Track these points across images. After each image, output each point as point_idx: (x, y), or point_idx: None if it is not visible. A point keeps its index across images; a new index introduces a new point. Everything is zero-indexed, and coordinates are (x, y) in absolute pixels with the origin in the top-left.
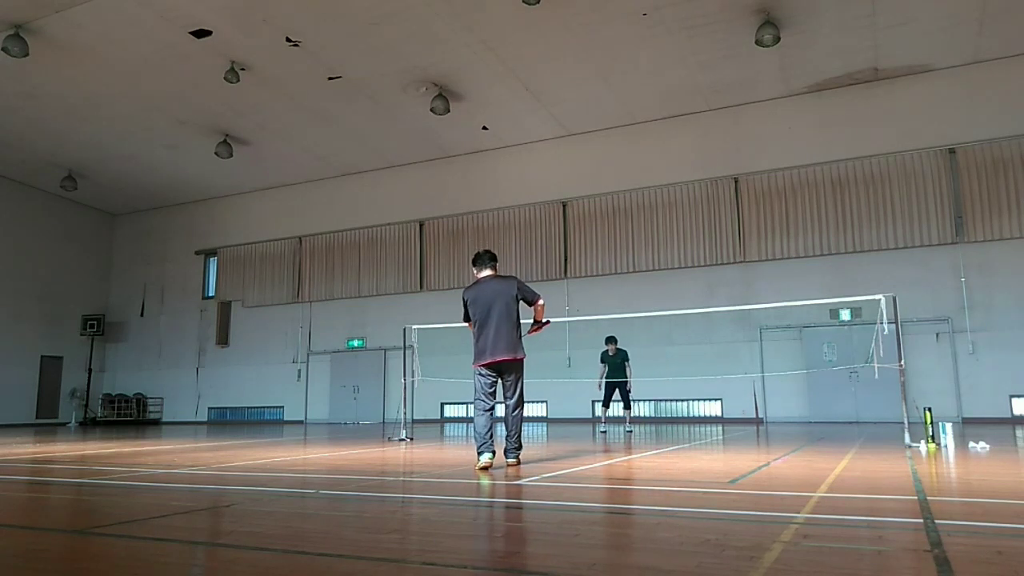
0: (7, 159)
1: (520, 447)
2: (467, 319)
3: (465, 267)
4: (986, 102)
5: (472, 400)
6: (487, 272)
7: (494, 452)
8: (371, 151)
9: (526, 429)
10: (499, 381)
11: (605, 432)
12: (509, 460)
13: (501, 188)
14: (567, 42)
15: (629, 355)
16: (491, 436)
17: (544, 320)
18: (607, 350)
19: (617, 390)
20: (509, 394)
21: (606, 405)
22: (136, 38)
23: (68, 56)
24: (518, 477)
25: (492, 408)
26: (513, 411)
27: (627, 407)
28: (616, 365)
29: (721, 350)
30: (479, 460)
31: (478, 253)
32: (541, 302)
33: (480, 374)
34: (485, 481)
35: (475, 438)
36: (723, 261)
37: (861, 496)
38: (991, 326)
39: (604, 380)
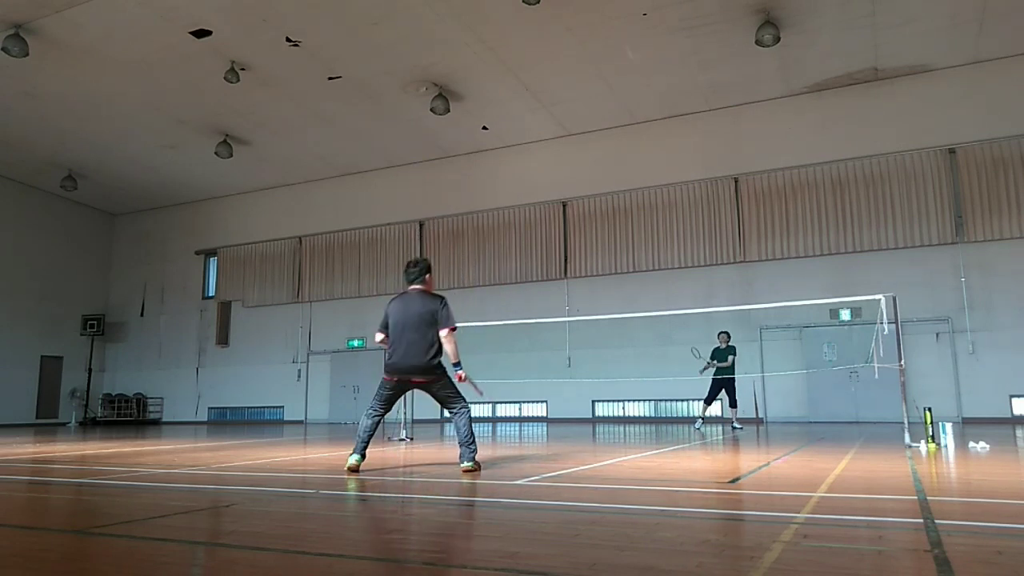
0: (7, 159)
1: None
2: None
3: (465, 267)
4: (986, 102)
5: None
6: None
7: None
8: (371, 151)
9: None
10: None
11: (700, 429)
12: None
13: (501, 188)
14: (567, 42)
15: (736, 351)
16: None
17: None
18: (719, 344)
19: (724, 388)
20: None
21: (709, 402)
22: (136, 38)
23: (68, 56)
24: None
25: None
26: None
27: (733, 405)
28: (725, 358)
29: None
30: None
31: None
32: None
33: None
34: (486, 481)
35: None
36: (723, 261)
37: (861, 496)
38: (991, 326)
39: (712, 376)
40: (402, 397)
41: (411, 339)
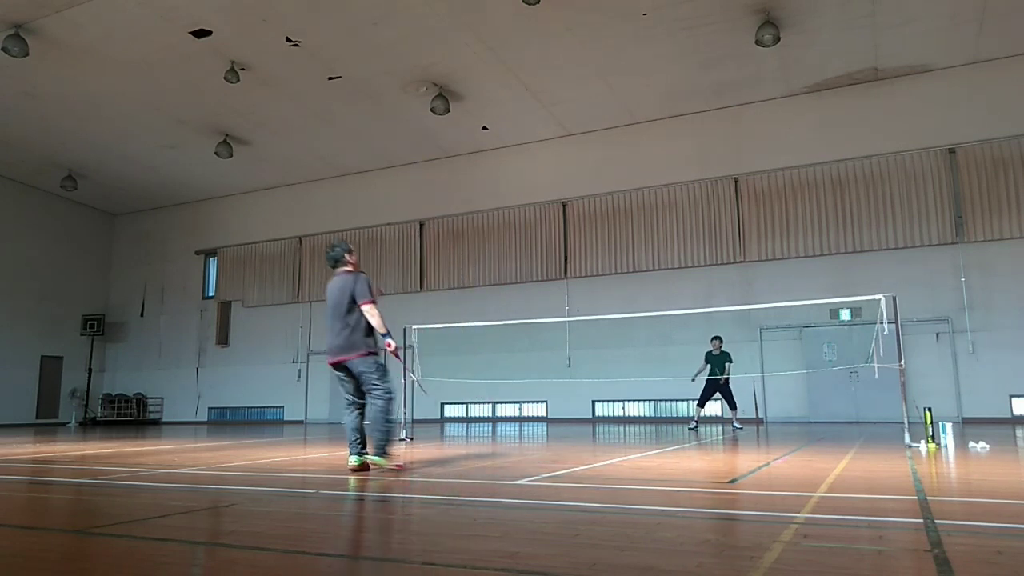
0: (7, 159)
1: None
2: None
3: (465, 267)
4: (986, 102)
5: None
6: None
7: (360, 454)
8: (371, 151)
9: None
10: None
11: (696, 429)
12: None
13: (501, 188)
14: (567, 42)
15: (731, 357)
16: (358, 437)
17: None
18: (711, 349)
19: (718, 391)
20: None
21: (702, 404)
22: (136, 38)
23: (68, 56)
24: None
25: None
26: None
27: (733, 407)
28: (719, 364)
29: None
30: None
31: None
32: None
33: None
34: (486, 481)
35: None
36: (723, 261)
37: (861, 496)
38: (991, 326)
39: (706, 378)
40: (402, 399)
41: (333, 322)
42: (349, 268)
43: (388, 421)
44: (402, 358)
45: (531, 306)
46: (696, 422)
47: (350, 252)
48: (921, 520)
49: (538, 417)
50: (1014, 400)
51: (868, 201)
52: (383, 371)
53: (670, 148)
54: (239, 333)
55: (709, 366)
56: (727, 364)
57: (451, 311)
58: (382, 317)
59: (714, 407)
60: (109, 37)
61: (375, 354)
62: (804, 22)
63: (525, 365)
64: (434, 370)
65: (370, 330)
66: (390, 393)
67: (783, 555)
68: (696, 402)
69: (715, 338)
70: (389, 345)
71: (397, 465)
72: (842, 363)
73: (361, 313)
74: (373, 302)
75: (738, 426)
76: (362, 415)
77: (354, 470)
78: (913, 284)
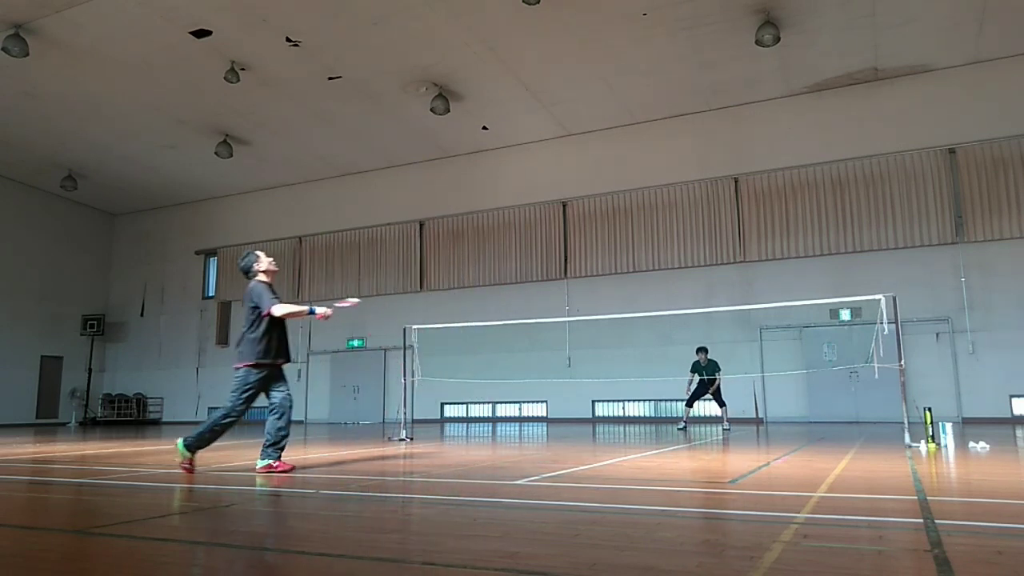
0: (7, 159)
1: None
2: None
3: (465, 267)
4: (986, 102)
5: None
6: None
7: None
8: (371, 151)
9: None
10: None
11: (684, 429)
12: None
13: (501, 188)
14: (567, 42)
15: (719, 366)
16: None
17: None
18: (698, 360)
19: (709, 394)
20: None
21: (690, 404)
22: (136, 38)
23: (68, 56)
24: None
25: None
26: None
27: (721, 404)
28: (709, 372)
29: (721, 350)
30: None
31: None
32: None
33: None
34: (486, 481)
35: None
36: (723, 261)
37: (861, 496)
38: (991, 326)
39: (696, 380)
40: (402, 399)
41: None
42: (262, 278)
43: (214, 428)
44: (327, 315)
45: (531, 306)
46: (685, 422)
47: (258, 260)
48: (921, 520)
49: (538, 417)
50: (1014, 400)
51: (868, 201)
52: (243, 389)
53: (670, 148)
54: (239, 333)
55: (697, 376)
56: (718, 373)
57: (451, 311)
58: (292, 303)
59: (712, 408)
60: (109, 37)
61: (252, 367)
62: (804, 22)
63: (525, 365)
64: (434, 370)
65: (257, 342)
66: (236, 409)
67: (783, 555)
68: (685, 402)
69: (701, 349)
70: (319, 315)
71: (186, 465)
72: (842, 363)
73: (252, 324)
74: (275, 304)
75: (726, 426)
76: (279, 417)
77: (259, 470)
78: (913, 284)
